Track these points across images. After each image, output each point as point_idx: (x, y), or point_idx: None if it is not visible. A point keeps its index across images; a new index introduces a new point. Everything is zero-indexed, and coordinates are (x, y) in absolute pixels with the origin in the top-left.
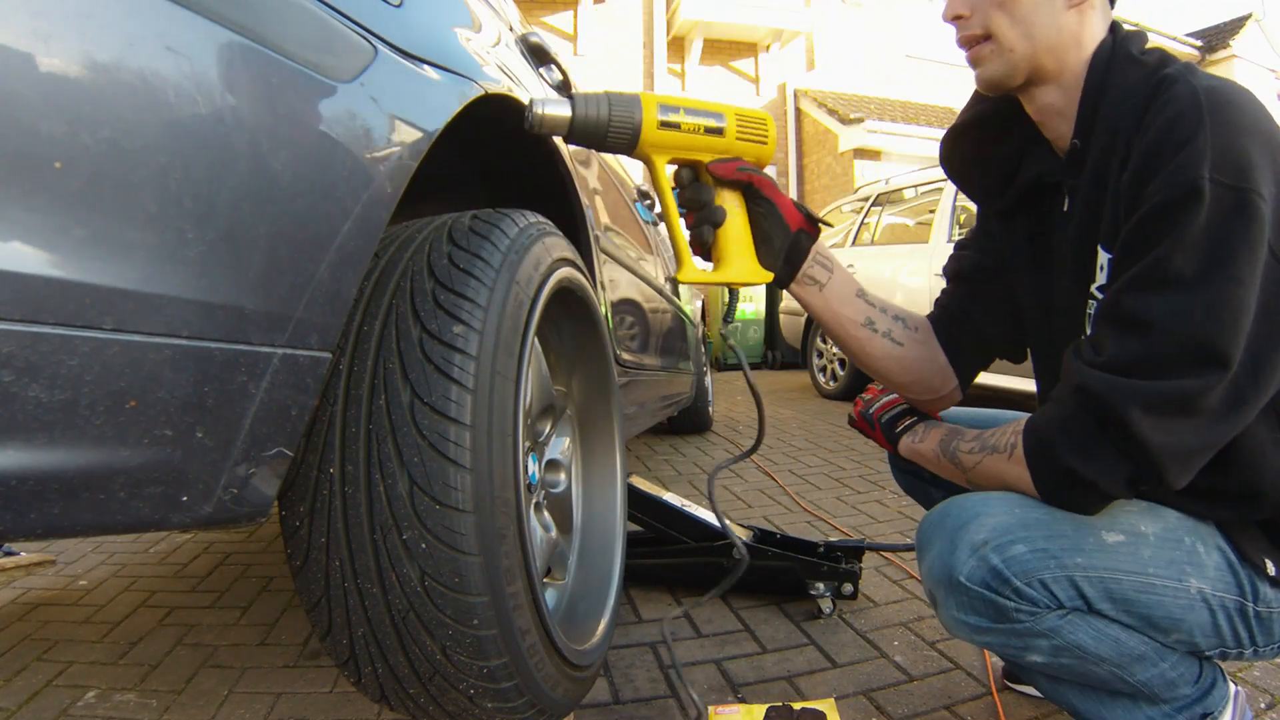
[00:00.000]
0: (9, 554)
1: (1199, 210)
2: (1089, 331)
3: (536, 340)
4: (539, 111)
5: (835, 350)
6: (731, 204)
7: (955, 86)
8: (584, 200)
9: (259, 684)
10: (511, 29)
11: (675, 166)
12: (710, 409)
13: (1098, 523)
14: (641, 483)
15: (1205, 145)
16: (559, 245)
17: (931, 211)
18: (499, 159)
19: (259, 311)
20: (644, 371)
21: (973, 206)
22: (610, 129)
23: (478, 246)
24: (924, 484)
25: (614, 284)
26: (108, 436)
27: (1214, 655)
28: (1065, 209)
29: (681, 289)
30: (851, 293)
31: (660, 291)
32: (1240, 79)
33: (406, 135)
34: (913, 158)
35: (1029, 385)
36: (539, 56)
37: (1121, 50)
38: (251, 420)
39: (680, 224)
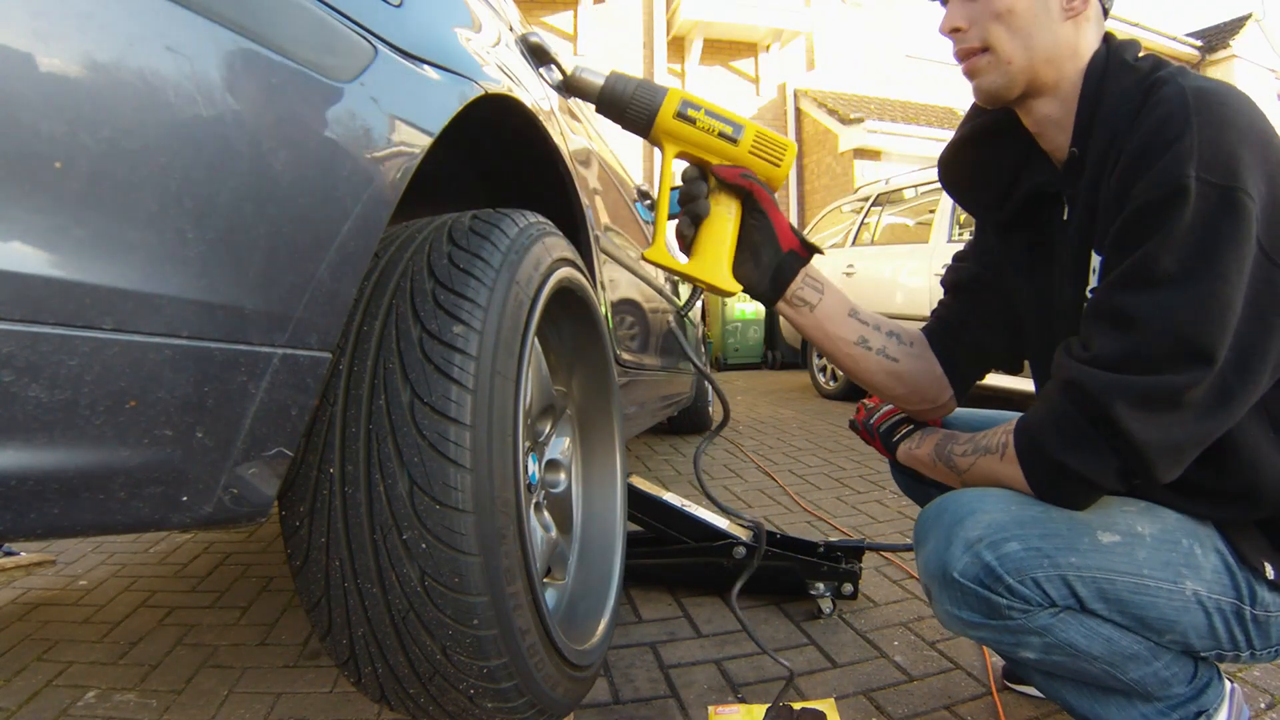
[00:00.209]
0: (9, 554)
1: (1185, 208)
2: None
3: (536, 340)
4: (577, 74)
5: None
6: (725, 208)
7: (955, 86)
8: (584, 200)
9: (259, 684)
10: (511, 29)
11: (686, 164)
12: (710, 409)
13: (1094, 522)
14: (641, 483)
15: (1192, 144)
16: (559, 245)
17: (931, 211)
18: (499, 159)
19: (259, 311)
20: (644, 371)
21: None
22: (630, 106)
23: (478, 246)
24: (923, 485)
25: (614, 284)
26: (108, 436)
27: (1210, 657)
28: (1065, 218)
29: (681, 289)
30: (844, 313)
31: (660, 291)
32: (1240, 79)
33: (407, 135)
34: (913, 158)
35: (1030, 385)
36: (539, 56)
37: (1116, 58)
38: (251, 420)
39: (665, 208)
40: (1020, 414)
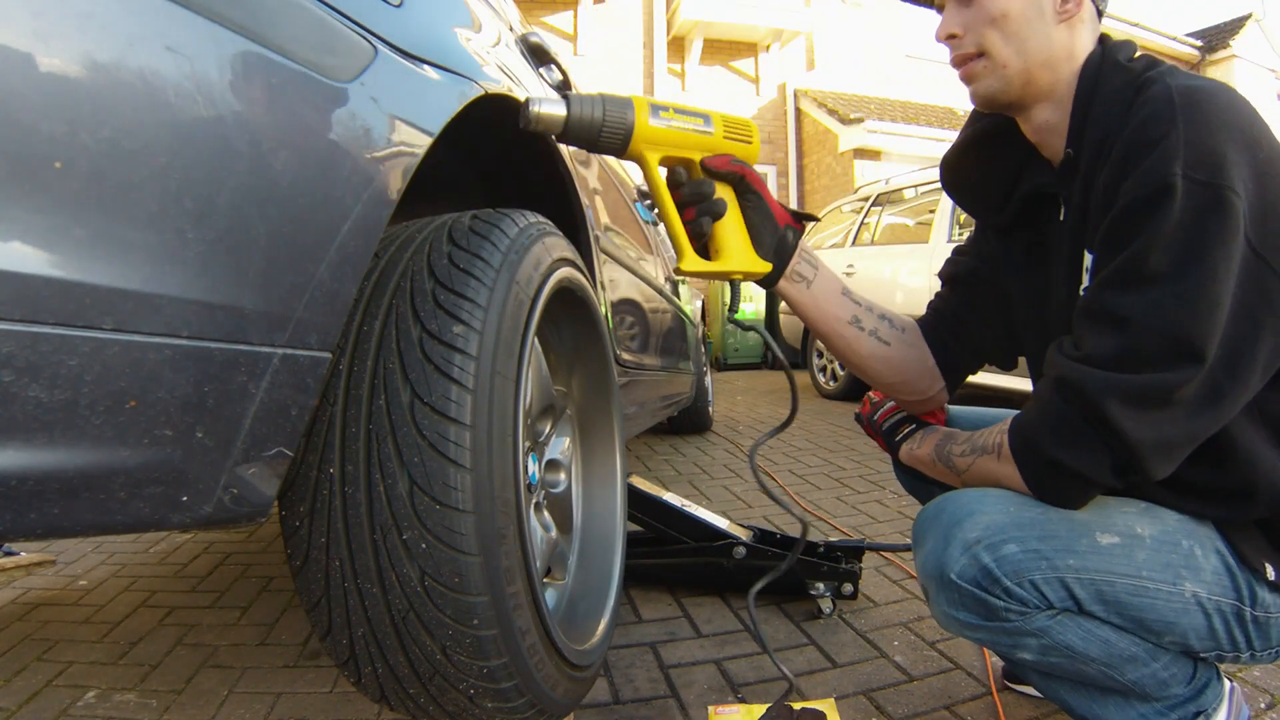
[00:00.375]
0: (9, 554)
1: (1172, 206)
2: None
3: (536, 340)
4: (535, 110)
5: None
6: (726, 198)
7: (955, 87)
8: (584, 200)
9: (259, 684)
10: (511, 29)
11: (668, 168)
12: (710, 409)
13: (1093, 524)
14: (641, 483)
15: (1178, 143)
16: (559, 245)
17: (931, 211)
18: (499, 159)
19: (259, 311)
20: (644, 371)
21: None
22: (604, 129)
23: (478, 246)
24: (926, 483)
25: (614, 284)
26: (108, 436)
27: (1210, 658)
28: (1062, 218)
29: (681, 289)
30: (837, 290)
31: (660, 291)
32: (1240, 79)
33: (407, 135)
34: (913, 158)
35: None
36: (539, 56)
37: (1110, 59)
38: (251, 420)
39: (677, 218)
40: (1019, 411)
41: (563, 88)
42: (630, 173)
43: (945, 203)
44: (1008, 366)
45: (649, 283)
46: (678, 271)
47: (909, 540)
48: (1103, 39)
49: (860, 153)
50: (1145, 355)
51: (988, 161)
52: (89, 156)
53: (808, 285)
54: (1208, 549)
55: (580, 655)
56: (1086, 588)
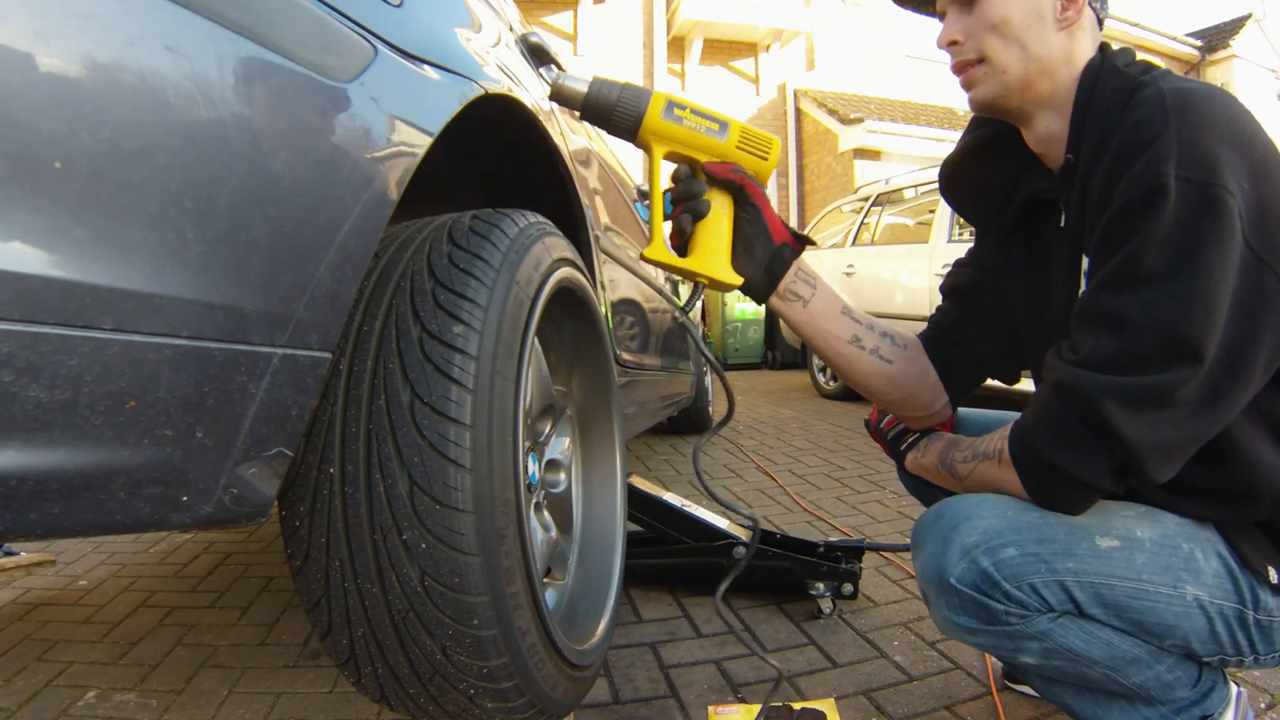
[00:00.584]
0: (9, 554)
1: (1166, 207)
2: None
3: (536, 340)
4: (560, 82)
5: None
6: (719, 205)
7: (955, 87)
8: (584, 200)
9: (259, 684)
10: (511, 29)
11: (674, 164)
12: (710, 409)
13: (1092, 527)
14: (641, 483)
15: (1170, 144)
16: (559, 245)
17: (931, 211)
18: (499, 159)
19: (259, 311)
20: (644, 371)
21: None
22: (615, 111)
23: (478, 246)
24: (930, 488)
25: (614, 284)
26: (108, 436)
27: (1213, 662)
28: (1062, 224)
29: (681, 289)
30: (836, 310)
31: (660, 291)
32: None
33: (407, 135)
34: (913, 158)
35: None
36: (539, 56)
37: (1108, 65)
38: (251, 420)
39: (660, 208)
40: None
41: None
42: (630, 173)
43: (945, 203)
44: (1010, 379)
45: (649, 283)
46: (641, 257)
47: (909, 540)
48: (1103, 46)
49: (860, 153)
50: (1142, 356)
51: (987, 168)
52: (89, 156)
53: (804, 304)
54: (1209, 552)
55: (580, 655)
56: (1086, 591)
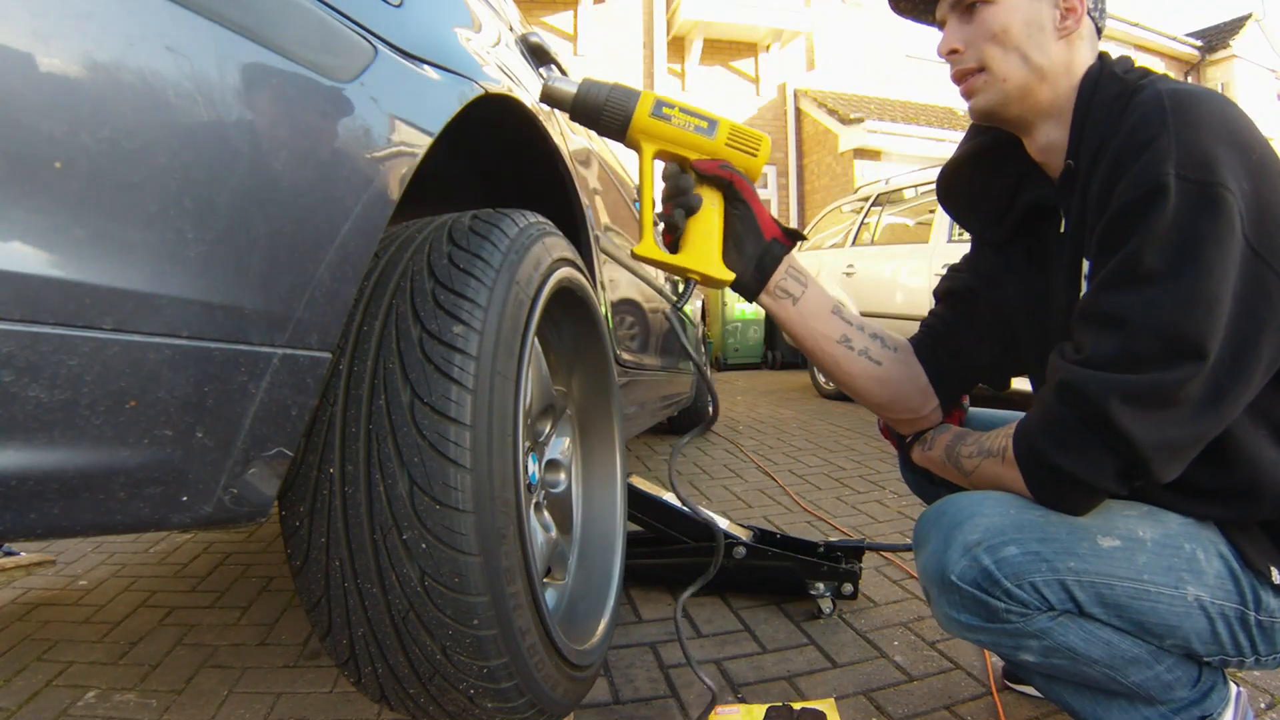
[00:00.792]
0: (9, 554)
1: (1165, 206)
2: None
3: (536, 340)
4: (550, 85)
5: None
6: (710, 202)
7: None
8: (584, 200)
9: (259, 684)
10: (511, 29)
11: (664, 162)
12: (710, 409)
13: (1094, 527)
14: (641, 483)
15: (1169, 144)
16: (559, 245)
17: (932, 211)
18: (499, 159)
19: (259, 311)
20: (644, 371)
21: None
22: (604, 112)
23: (478, 246)
24: (932, 485)
25: (614, 284)
26: (108, 436)
27: (1213, 662)
28: (1062, 230)
29: (681, 286)
30: (826, 309)
31: (660, 291)
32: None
33: (406, 135)
34: (913, 158)
35: None
36: (539, 56)
37: (1107, 72)
38: (251, 420)
39: (650, 204)
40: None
41: None
42: (630, 173)
43: None
44: (1001, 385)
45: (649, 283)
46: (632, 254)
47: (909, 540)
48: (1101, 55)
49: (860, 153)
50: (1144, 355)
51: (986, 175)
52: (89, 156)
53: (794, 302)
54: (1210, 553)
55: (580, 655)
56: (1087, 590)
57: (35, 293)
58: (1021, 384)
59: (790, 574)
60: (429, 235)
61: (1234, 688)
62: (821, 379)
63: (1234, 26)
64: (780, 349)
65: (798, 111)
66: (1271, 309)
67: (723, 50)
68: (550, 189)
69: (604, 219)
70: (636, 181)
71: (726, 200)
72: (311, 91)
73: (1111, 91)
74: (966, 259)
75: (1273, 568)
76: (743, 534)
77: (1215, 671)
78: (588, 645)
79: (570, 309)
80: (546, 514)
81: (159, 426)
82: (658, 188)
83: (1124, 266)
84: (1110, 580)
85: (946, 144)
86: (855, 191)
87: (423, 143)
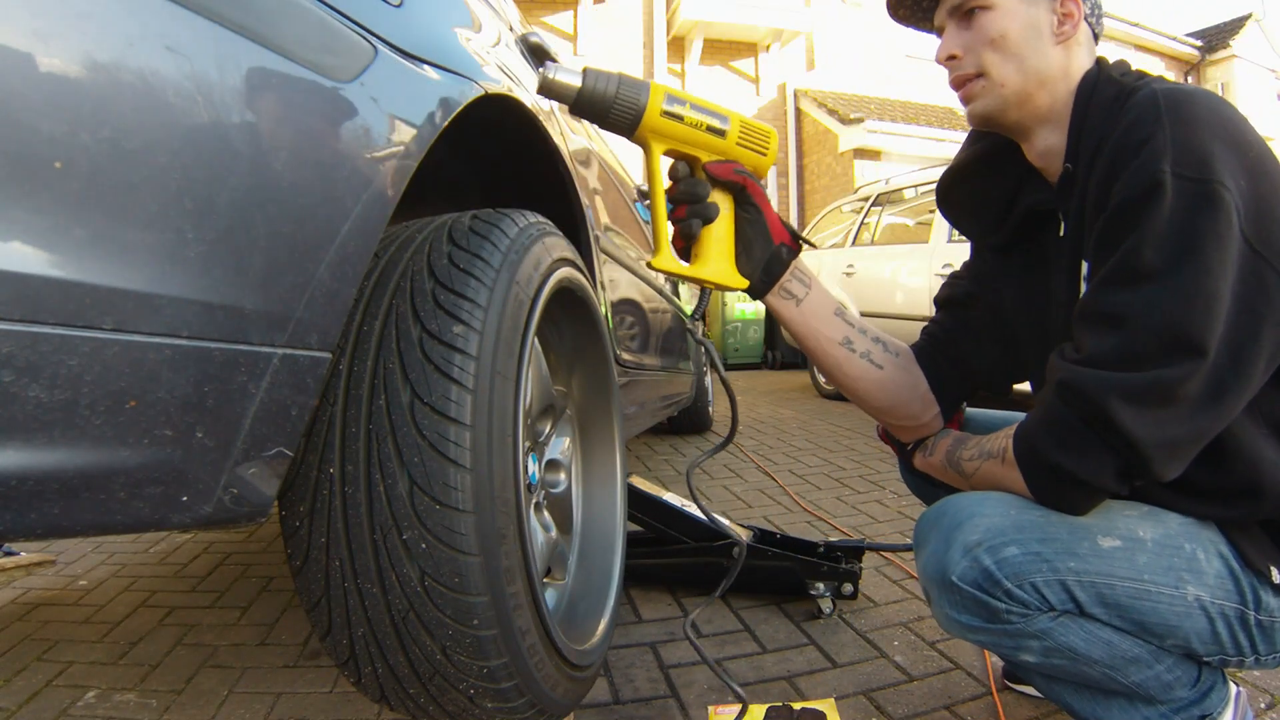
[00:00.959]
0: (9, 554)
1: (1162, 203)
2: None
3: (536, 340)
4: (550, 76)
5: None
6: (722, 206)
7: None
8: (584, 200)
9: (259, 684)
10: (511, 29)
11: (672, 160)
12: (710, 409)
13: (1094, 527)
14: (641, 483)
15: (1165, 142)
16: (559, 245)
17: (932, 211)
18: (499, 159)
19: (259, 311)
20: (644, 371)
21: None
22: (614, 106)
23: (478, 246)
24: (932, 486)
25: (614, 284)
26: (108, 436)
27: (1213, 662)
28: (1061, 234)
29: (681, 289)
30: (830, 310)
31: (660, 291)
32: (1240, 79)
33: (406, 135)
34: (913, 158)
35: None
36: (539, 56)
37: (1104, 76)
38: (251, 420)
39: (664, 211)
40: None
41: None
42: (631, 173)
43: None
44: (1002, 391)
45: (649, 283)
46: (649, 266)
47: (909, 540)
48: (1099, 60)
49: (860, 153)
50: (1144, 352)
51: (985, 182)
52: (89, 156)
53: (797, 303)
54: (1210, 553)
55: (580, 655)
56: (1087, 590)
57: (35, 293)
58: (1023, 386)
59: (790, 574)
60: (429, 235)
61: (1233, 687)
62: (821, 379)
63: (1234, 26)
64: (780, 349)
65: (798, 111)
66: (1270, 305)
67: (723, 50)
68: (550, 189)
69: (604, 219)
70: (639, 181)
71: (737, 204)
72: (311, 91)
73: (1109, 94)
74: (966, 266)
75: (1272, 567)
76: (743, 534)
77: (1215, 671)
78: (588, 645)
79: (570, 309)
80: (546, 514)
81: (159, 426)
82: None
83: (1122, 265)
84: (1111, 580)
85: (946, 144)
86: (855, 191)
87: (423, 143)
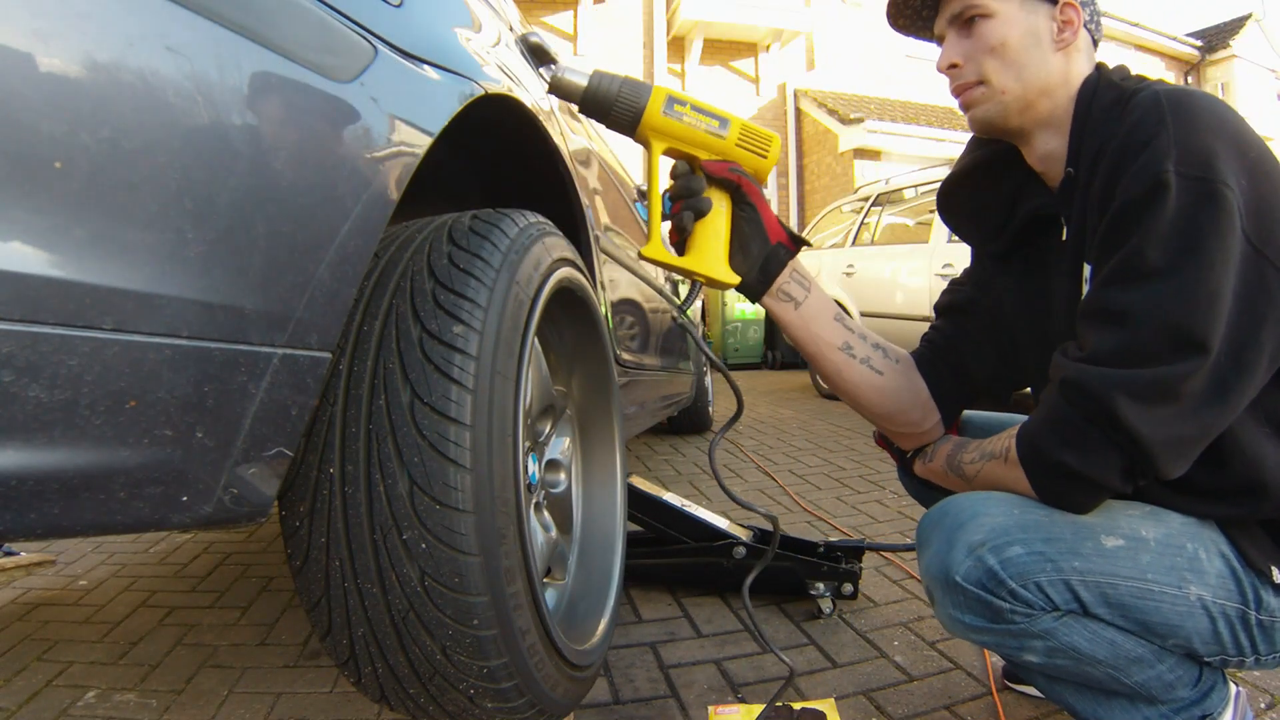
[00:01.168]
0: (9, 554)
1: (1166, 202)
2: None
3: (536, 340)
4: (560, 75)
5: None
6: (718, 203)
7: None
8: (584, 200)
9: (259, 684)
10: (511, 29)
11: (673, 160)
12: (710, 409)
13: (1097, 526)
14: (641, 483)
15: (1168, 142)
16: (559, 245)
17: (931, 211)
18: (499, 159)
19: (259, 311)
20: (644, 371)
21: None
22: (616, 105)
23: (478, 246)
24: (933, 491)
25: (614, 284)
26: (108, 436)
27: (1214, 662)
28: (1063, 238)
29: (681, 289)
30: (829, 315)
31: (660, 291)
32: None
33: (406, 135)
34: (913, 158)
35: None
36: (539, 56)
37: (1104, 80)
38: (251, 420)
39: (659, 205)
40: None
41: None
42: (631, 173)
43: None
44: (1003, 399)
45: (649, 283)
46: (639, 255)
47: (909, 540)
48: (1099, 66)
49: (860, 153)
50: (1147, 349)
51: (986, 188)
52: (89, 156)
53: (796, 306)
54: (1212, 552)
55: (580, 655)
56: (1091, 590)
57: (35, 293)
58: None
59: (790, 574)
60: (429, 235)
61: (1234, 688)
62: (821, 380)
63: (1234, 26)
64: (780, 349)
65: (798, 111)
66: (1271, 303)
67: (723, 50)
68: (550, 189)
69: (604, 219)
70: (639, 180)
71: (734, 202)
72: (311, 92)
73: (1109, 98)
74: (967, 273)
75: (1273, 567)
76: (742, 534)
77: (1215, 671)
78: (588, 645)
79: (570, 309)
80: (546, 514)
81: (159, 426)
82: (664, 185)
83: (1126, 263)
84: (1114, 580)
85: (946, 144)
86: (855, 191)
87: (422, 143)
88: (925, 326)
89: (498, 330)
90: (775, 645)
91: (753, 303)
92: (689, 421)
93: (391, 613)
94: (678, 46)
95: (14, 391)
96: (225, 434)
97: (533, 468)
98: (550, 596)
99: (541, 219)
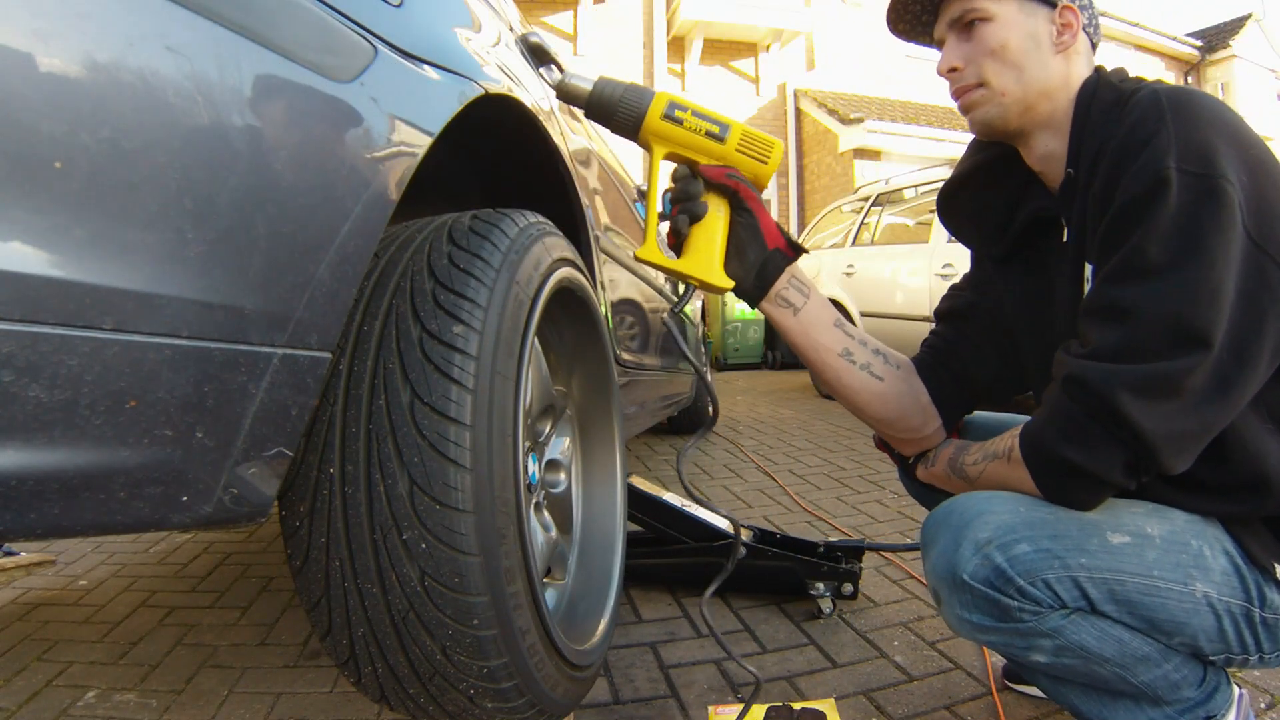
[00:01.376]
0: (9, 554)
1: (1168, 198)
2: None
3: (536, 340)
4: (566, 81)
5: None
6: (716, 208)
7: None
8: (584, 200)
9: (259, 684)
10: (511, 29)
11: (674, 164)
12: (710, 409)
13: (1103, 524)
14: (641, 483)
15: (1169, 139)
16: (559, 245)
17: (931, 211)
18: (499, 159)
19: (259, 311)
20: (644, 371)
21: None
22: (619, 109)
23: (478, 246)
24: (934, 493)
25: (614, 284)
26: (108, 436)
27: (1219, 661)
28: (1064, 240)
29: (681, 289)
30: (829, 321)
31: (660, 291)
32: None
33: (406, 135)
34: (913, 158)
35: None
36: (539, 56)
37: (1103, 82)
38: (251, 420)
39: (655, 207)
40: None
41: None
42: (631, 174)
43: None
44: (1003, 402)
45: (649, 283)
46: (635, 256)
47: (909, 540)
48: (1098, 68)
49: (860, 153)
50: (1149, 345)
51: (986, 191)
52: (89, 156)
53: (795, 312)
54: (1216, 549)
55: (580, 655)
56: (1099, 587)
57: (35, 293)
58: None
59: (790, 574)
60: (429, 235)
61: (1236, 689)
62: None
63: (1234, 26)
64: (780, 349)
65: (798, 111)
66: (1273, 299)
67: (723, 50)
68: (550, 189)
69: (604, 219)
70: (637, 182)
71: (732, 207)
72: (311, 92)
73: (1108, 99)
74: (967, 277)
75: (1276, 564)
76: (743, 534)
77: (1219, 672)
78: (588, 645)
79: (570, 309)
80: (546, 514)
81: (159, 426)
82: (664, 188)
83: (1128, 260)
84: (1121, 576)
85: (946, 144)
86: (855, 191)
87: (422, 143)
88: (925, 327)
89: (498, 330)
90: (774, 649)
91: (751, 306)
92: (689, 421)
93: (391, 613)
94: (678, 46)
95: (14, 391)
96: (225, 434)
97: (533, 468)
98: (550, 596)
99: (541, 219)
